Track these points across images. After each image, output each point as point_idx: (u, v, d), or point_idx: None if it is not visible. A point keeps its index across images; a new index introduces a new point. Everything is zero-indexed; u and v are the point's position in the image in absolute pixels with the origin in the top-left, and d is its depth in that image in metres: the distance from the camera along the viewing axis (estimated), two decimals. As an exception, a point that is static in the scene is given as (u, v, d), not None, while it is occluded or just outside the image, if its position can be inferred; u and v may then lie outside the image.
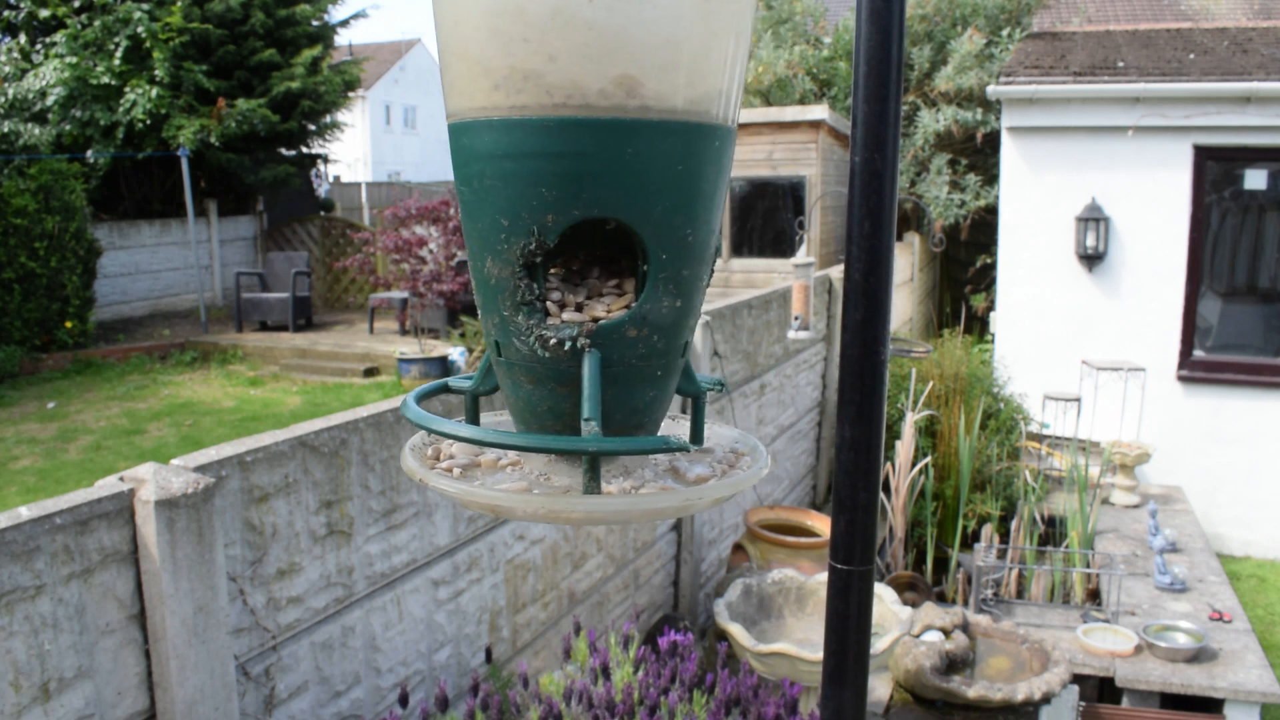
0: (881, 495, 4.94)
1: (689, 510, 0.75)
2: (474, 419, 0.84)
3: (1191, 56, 6.65)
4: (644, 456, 0.79)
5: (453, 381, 0.85)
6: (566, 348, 0.70)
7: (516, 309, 0.71)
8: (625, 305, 0.72)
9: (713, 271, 0.77)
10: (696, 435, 0.82)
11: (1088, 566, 4.55)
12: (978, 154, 10.58)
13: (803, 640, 3.23)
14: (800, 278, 4.25)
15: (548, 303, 0.72)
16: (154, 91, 12.37)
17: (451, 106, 0.71)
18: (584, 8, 0.63)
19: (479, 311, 0.77)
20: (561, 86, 0.65)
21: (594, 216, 0.68)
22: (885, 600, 3.29)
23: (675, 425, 0.89)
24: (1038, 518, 5.09)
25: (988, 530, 4.82)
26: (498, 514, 0.74)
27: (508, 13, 0.65)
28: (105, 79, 12.39)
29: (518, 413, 0.78)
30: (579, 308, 0.72)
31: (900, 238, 10.23)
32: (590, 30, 0.63)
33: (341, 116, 15.68)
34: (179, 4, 12.66)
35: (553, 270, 0.75)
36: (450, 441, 0.83)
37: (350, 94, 15.70)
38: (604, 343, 0.70)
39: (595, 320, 0.71)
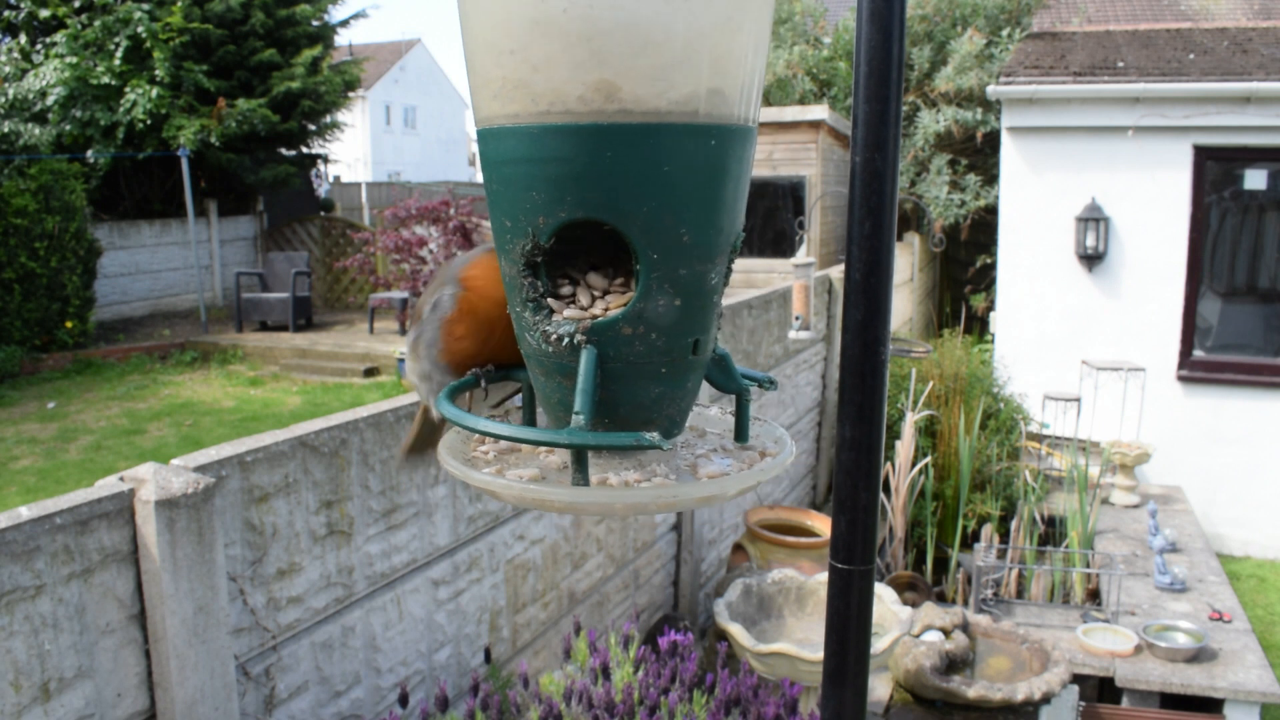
0: (881, 495, 4.94)
1: (674, 507, 0.77)
2: (530, 410, 0.89)
3: (1191, 56, 6.65)
4: (671, 451, 0.81)
5: (516, 372, 0.92)
6: (564, 343, 0.73)
7: (524, 305, 0.75)
8: (623, 304, 0.73)
9: (730, 271, 0.78)
10: (741, 432, 0.86)
11: (1088, 566, 4.55)
12: (978, 154, 10.58)
13: (803, 640, 3.23)
14: (800, 278, 4.25)
15: (551, 299, 0.74)
16: (154, 91, 12.36)
17: (475, 117, 0.76)
18: (559, 17, 0.64)
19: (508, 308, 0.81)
20: (545, 94, 0.67)
21: (578, 219, 0.70)
22: (885, 600, 3.29)
23: (725, 420, 0.94)
24: (1038, 518, 5.09)
25: (988, 530, 4.82)
26: (494, 497, 0.78)
27: (497, 26, 0.68)
28: (105, 79, 12.38)
29: (540, 403, 0.83)
30: (584, 305, 0.74)
31: (900, 238, 10.23)
32: (566, 38, 0.65)
33: (341, 116, 15.68)
34: (179, 4, 12.66)
35: (571, 268, 0.77)
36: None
37: (350, 94, 15.70)
38: (600, 339, 0.72)
39: (594, 318, 0.73)
